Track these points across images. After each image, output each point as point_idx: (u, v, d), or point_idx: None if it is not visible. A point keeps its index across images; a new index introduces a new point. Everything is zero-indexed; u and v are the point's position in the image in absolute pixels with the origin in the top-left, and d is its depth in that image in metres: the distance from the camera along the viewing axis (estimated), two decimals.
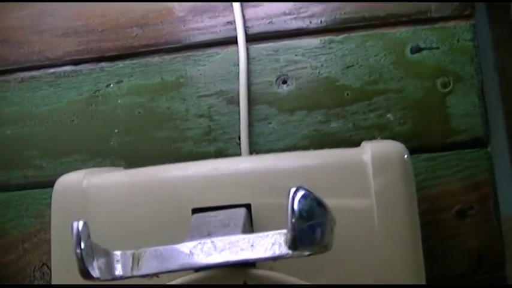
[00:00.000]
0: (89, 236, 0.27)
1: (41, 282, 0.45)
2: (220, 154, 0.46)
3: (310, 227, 0.26)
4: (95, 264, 0.27)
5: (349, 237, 0.33)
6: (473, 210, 0.42)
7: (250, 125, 0.46)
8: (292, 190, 0.26)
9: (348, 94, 0.44)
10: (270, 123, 0.46)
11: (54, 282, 0.35)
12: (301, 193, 0.26)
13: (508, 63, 0.59)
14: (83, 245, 0.26)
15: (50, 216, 0.36)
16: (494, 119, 0.55)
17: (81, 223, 0.26)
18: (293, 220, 0.26)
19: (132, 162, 0.46)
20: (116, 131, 0.46)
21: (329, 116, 0.44)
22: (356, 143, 0.39)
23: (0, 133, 0.47)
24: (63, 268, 0.35)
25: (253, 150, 0.46)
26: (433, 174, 0.43)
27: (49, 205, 0.36)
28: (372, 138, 0.43)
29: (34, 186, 0.46)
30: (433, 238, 0.42)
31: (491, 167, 0.43)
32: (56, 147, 0.47)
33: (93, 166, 0.46)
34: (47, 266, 0.45)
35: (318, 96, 0.45)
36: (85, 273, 0.26)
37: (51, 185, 0.37)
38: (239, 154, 0.45)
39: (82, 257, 0.26)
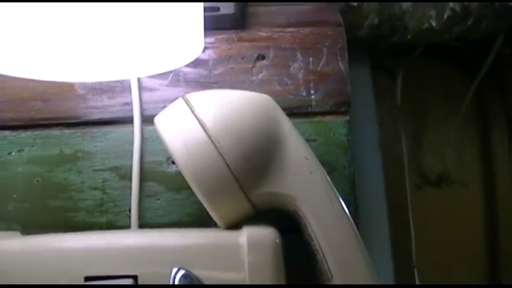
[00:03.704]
0: None
1: None
2: (110, 225, 0.49)
3: None
4: None
5: None
6: None
7: (140, 199, 0.49)
8: (174, 270, 0.31)
9: None
10: (159, 199, 0.50)
11: None
12: (181, 273, 0.31)
13: (390, 141, 0.64)
14: None
15: None
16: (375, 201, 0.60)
17: None
18: None
19: (27, 227, 0.49)
20: (14, 196, 0.49)
21: None
22: None
23: None
24: None
25: (142, 223, 0.49)
26: None
27: None
28: None
29: None
30: None
31: None
32: None
33: None
34: None
35: None
36: None
37: None
38: (129, 226, 0.49)
39: None
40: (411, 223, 0.64)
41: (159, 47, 0.43)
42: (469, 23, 0.55)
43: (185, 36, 0.42)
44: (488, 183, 0.67)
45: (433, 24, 0.55)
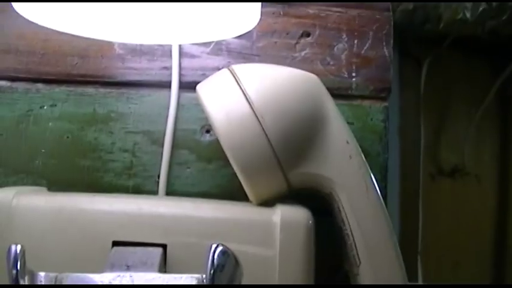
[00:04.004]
0: (23, 259, 0.30)
1: None
2: (137, 189, 0.49)
3: (223, 278, 0.31)
4: (22, 282, 0.30)
5: (253, 282, 0.38)
6: None
7: (170, 166, 0.49)
8: (213, 246, 0.31)
9: None
10: (189, 168, 0.49)
11: None
12: (220, 249, 0.31)
13: (410, 129, 0.64)
14: (18, 268, 0.30)
15: None
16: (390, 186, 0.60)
17: (19, 247, 0.30)
18: (211, 271, 0.31)
19: (53, 183, 0.48)
20: (43, 151, 0.49)
21: None
22: None
23: None
24: None
25: (170, 190, 0.49)
26: None
27: None
28: None
29: None
30: None
31: None
32: None
33: (15, 181, 0.48)
34: None
35: None
36: None
37: None
38: (156, 192, 0.48)
39: (16, 278, 0.30)
40: (420, 211, 0.64)
41: (207, 17, 0.42)
42: (504, 18, 0.54)
43: (240, 8, 0.40)
44: (502, 179, 0.67)
45: (468, 15, 0.54)
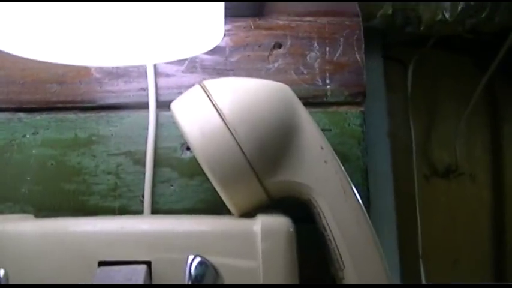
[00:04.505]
0: (7, 282, 0.30)
1: None
2: (123, 210, 0.49)
3: None
4: None
5: None
6: None
7: (153, 185, 0.49)
8: (191, 257, 0.31)
9: None
10: (172, 185, 0.50)
11: None
12: (197, 260, 0.31)
13: (400, 131, 0.64)
14: None
15: None
16: (383, 191, 0.60)
17: (1, 271, 0.31)
18: (189, 283, 0.31)
19: (40, 209, 0.49)
20: (28, 179, 0.49)
21: None
22: None
23: None
24: None
25: (155, 208, 0.49)
26: None
27: None
28: None
29: None
30: None
31: None
32: None
33: (3, 210, 0.49)
34: None
35: None
36: None
37: None
38: (141, 211, 0.49)
39: None
40: (418, 214, 0.64)
41: (177, 34, 0.43)
42: (483, 16, 0.55)
43: (205, 23, 0.41)
44: (497, 176, 0.67)
45: (447, 16, 0.55)
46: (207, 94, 0.41)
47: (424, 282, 0.62)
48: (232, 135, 0.39)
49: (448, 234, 0.67)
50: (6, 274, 0.31)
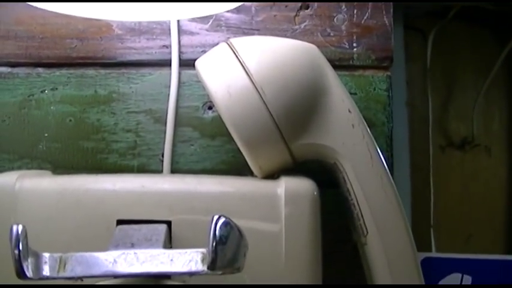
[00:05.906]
0: (25, 239, 0.30)
1: None
2: (142, 169, 0.49)
3: (227, 251, 0.30)
4: (26, 264, 0.30)
5: (258, 259, 0.38)
6: None
7: (174, 144, 0.49)
8: (215, 217, 0.30)
9: None
10: (193, 145, 0.49)
11: None
12: (222, 220, 0.30)
13: (418, 101, 0.63)
14: (20, 247, 0.29)
15: None
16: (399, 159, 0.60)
17: (20, 227, 0.30)
18: (214, 244, 0.30)
19: (58, 167, 0.48)
20: (46, 135, 0.49)
21: None
22: None
23: None
24: None
25: (175, 168, 0.49)
26: None
27: None
28: None
29: None
30: None
31: None
32: None
33: (20, 167, 0.48)
34: None
35: None
36: (20, 273, 0.29)
37: None
38: (160, 170, 0.48)
39: (19, 258, 0.29)
40: (431, 184, 0.63)
41: None
42: None
43: None
44: None
45: None
46: (234, 52, 0.40)
47: (434, 251, 0.62)
48: (260, 95, 0.38)
49: (462, 207, 0.66)
50: (24, 230, 0.30)
